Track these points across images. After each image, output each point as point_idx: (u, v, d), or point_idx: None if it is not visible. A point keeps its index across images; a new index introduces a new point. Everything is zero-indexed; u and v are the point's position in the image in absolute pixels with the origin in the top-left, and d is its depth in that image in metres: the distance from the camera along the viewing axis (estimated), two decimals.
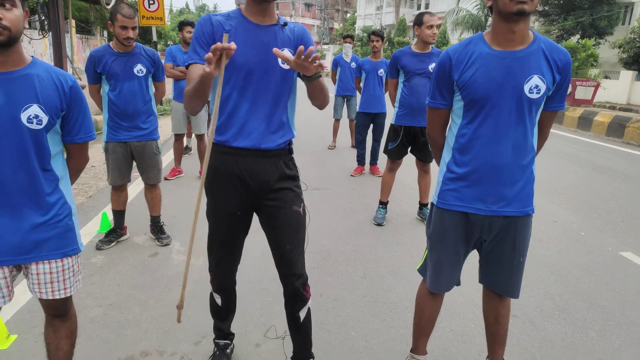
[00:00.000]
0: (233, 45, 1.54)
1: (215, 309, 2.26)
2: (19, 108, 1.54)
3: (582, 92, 12.75)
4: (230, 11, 1.93)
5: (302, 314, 2.09)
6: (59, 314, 1.81)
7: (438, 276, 2.02)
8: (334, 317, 2.77)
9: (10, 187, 1.57)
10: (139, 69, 3.30)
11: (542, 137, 1.98)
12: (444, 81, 1.87)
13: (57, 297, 1.72)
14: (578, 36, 22.21)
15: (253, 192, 1.93)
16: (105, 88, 3.33)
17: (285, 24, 1.92)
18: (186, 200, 4.79)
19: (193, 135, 6.26)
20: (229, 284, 2.19)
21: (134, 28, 3.21)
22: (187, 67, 1.83)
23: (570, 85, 11.72)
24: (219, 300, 2.20)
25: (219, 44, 1.53)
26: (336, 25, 57.63)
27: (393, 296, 3.02)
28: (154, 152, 3.50)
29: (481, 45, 1.80)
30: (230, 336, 2.36)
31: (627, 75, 19.62)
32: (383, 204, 4.41)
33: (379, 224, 4.28)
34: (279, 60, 1.84)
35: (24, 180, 1.58)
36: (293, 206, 1.98)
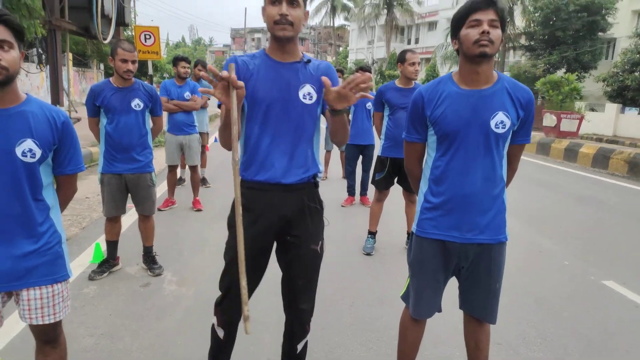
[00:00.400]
0: (238, 82, 1.65)
1: (217, 344, 2.14)
2: (14, 142, 1.65)
3: (567, 124, 13.10)
4: (256, 52, 2.02)
5: (300, 346, 2.15)
6: (49, 340, 1.87)
7: (419, 302, 2.11)
8: (322, 345, 2.83)
9: (4, 216, 1.66)
10: (137, 103, 3.44)
11: (512, 169, 2.11)
12: (417, 117, 2.02)
13: (47, 322, 1.79)
14: (564, 70, 22.94)
15: (274, 226, 1.95)
16: (103, 121, 3.46)
17: (309, 60, 1.98)
18: (179, 231, 4.86)
19: (187, 167, 6.38)
20: (236, 319, 2.09)
21: (133, 61, 3.36)
22: (218, 106, 1.89)
23: (555, 117, 12.07)
24: (221, 334, 2.10)
25: (224, 72, 1.63)
26: (329, 59, 58.89)
27: (380, 324, 3.09)
28: (148, 184, 3.60)
29: (450, 84, 1.96)
30: None
31: (612, 108, 20.20)
32: (372, 233, 4.51)
33: (368, 254, 4.37)
34: (300, 95, 1.91)
35: (17, 209, 1.68)
36: (311, 245, 2.01)
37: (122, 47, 3.34)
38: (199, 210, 5.62)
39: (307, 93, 1.93)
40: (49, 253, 1.77)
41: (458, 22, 1.88)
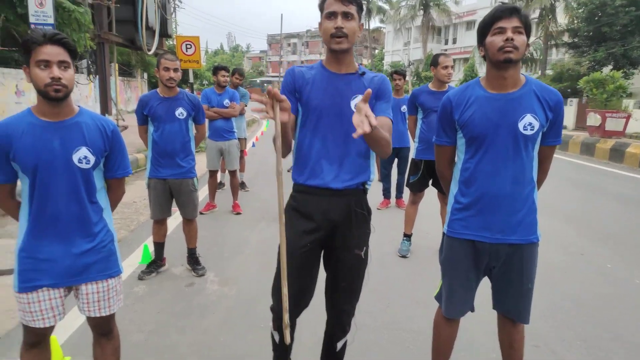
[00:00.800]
0: (281, 96, 1.68)
1: (275, 347, 2.24)
2: (71, 151, 1.83)
3: (612, 123, 12.59)
4: (314, 63, 2.11)
5: (339, 345, 2.25)
6: (104, 332, 2.06)
7: (451, 301, 2.16)
8: (359, 344, 2.90)
9: (64, 217, 1.85)
10: (180, 112, 3.65)
11: (543, 170, 2.13)
12: (447, 121, 2.09)
13: (104, 314, 1.98)
14: (610, 67, 22.02)
15: (322, 230, 2.03)
16: (150, 129, 3.69)
17: (364, 73, 2.04)
18: (220, 234, 5.05)
19: (226, 171, 6.60)
20: (295, 312, 2.13)
21: (175, 70, 3.59)
22: None
23: (599, 117, 11.64)
24: (277, 338, 2.18)
25: (269, 88, 1.67)
26: (365, 61, 58.77)
27: (416, 326, 3.14)
28: (190, 189, 3.79)
29: (477, 89, 2.01)
30: None
31: None
32: (407, 236, 4.55)
33: (404, 256, 4.41)
34: (352, 105, 1.97)
35: (75, 211, 1.86)
36: (355, 250, 2.08)
37: (165, 58, 3.59)
38: (239, 213, 5.81)
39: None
40: (104, 250, 1.95)
41: (483, 30, 1.94)
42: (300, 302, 2.12)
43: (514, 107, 1.93)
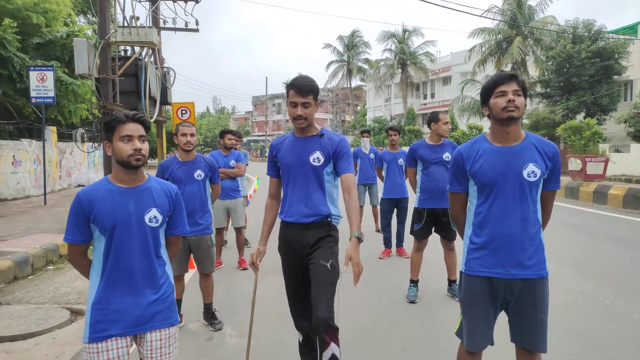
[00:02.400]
0: (257, 265, 2.80)
1: (299, 345, 2.93)
2: (144, 212, 2.08)
3: (592, 167, 13.19)
4: (288, 133, 2.86)
5: (325, 357, 2.47)
6: None
7: (473, 335, 2.35)
8: None
9: (137, 271, 2.06)
10: (199, 174, 3.92)
11: (546, 212, 2.40)
12: (459, 171, 2.38)
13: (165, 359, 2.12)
14: (583, 114, 23.15)
15: (299, 252, 2.69)
16: None
17: (322, 134, 2.71)
18: (230, 289, 5.17)
19: (228, 229, 6.77)
20: (303, 318, 2.81)
21: (192, 135, 3.92)
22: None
23: (580, 161, 12.20)
24: (300, 337, 2.88)
25: (253, 255, 2.76)
26: (348, 118, 60.61)
27: None
28: (208, 244, 3.99)
29: (484, 143, 2.32)
30: None
31: (637, 148, 20.16)
32: (414, 282, 4.73)
33: (412, 302, 4.57)
34: (311, 159, 2.65)
35: (145, 265, 2.08)
36: (321, 260, 2.59)
37: (183, 125, 3.95)
38: (245, 269, 5.94)
39: (316, 157, 2.66)
40: (167, 300, 2.14)
41: (487, 94, 2.27)
42: (300, 309, 2.81)
43: (517, 157, 2.23)
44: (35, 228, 8.11)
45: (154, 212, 2.10)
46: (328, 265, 2.57)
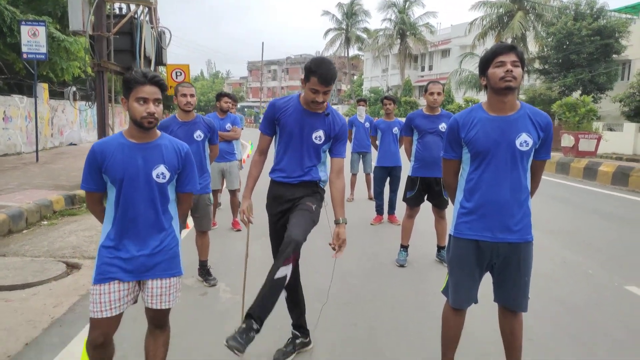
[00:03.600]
0: (250, 219, 2.87)
1: (285, 300, 3.01)
2: (151, 167, 2.14)
3: (585, 144, 13.33)
4: (293, 95, 2.83)
5: (280, 273, 2.53)
6: (160, 324, 2.31)
7: (458, 294, 2.46)
8: (370, 345, 3.15)
9: (142, 222, 2.14)
10: (198, 134, 3.95)
11: (535, 181, 2.48)
12: (454, 139, 2.43)
13: (164, 307, 2.24)
14: (579, 92, 23.16)
15: (285, 204, 2.82)
16: None
17: (328, 114, 2.76)
18: (223, 249, 5.27)
19: (223, 191, 6.82)
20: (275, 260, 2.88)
21: (191, 95, 3.92)
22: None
23: (573, 138, 12.33)
24: (285, 294, 2.92)
25: (244, 211, 2.83)
26: (344, 87, 60.05)
27: (421, 327, 3.40)
28: (206, 203, 4.05)
29: (480, 112, 2.37)
30: (300, 335, 3.01)
31: (630, 127, 20.28)
32: (404, 247, 4.85)
33: (402, 265, 4.71)
34: (313, 137, 2.74)
35: (151, 217, 2.16)
36: (307, 202, 2.76)
37: (182, 85, 3.95)
38: (239, 230, 6.04)
39: (318, 136, 2.75)
40: (170, 252, 2.22)
41: (485, 64, 2.31)
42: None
43: (511, 127, 2.29)
44: (28, 184, 8.12)
45: (161, 168, 2.16)
46: (313, 207, 2.74)
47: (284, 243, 2.57)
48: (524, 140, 2.28)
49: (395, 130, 6.45)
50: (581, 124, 13.78)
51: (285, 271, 2.55)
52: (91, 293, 2.14)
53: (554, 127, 18.57)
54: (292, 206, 2.81)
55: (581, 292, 4.15)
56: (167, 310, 2.29)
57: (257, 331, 2.49)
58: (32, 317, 3.47)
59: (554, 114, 15.50)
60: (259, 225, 6.40)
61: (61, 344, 3.06)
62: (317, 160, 2.81)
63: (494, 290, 2.50)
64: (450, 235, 2.52)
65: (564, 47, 23.70)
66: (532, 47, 27.46)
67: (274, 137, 2.90)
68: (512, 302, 2.45)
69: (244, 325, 2.45)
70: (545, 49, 25.47)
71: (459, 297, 2.48)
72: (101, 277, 2.12)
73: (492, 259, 2.39)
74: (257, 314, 2.50)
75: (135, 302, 2.27)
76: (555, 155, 13.90)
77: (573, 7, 24.02)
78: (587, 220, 7.19)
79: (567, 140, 13.84)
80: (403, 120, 5.73)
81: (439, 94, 4.60)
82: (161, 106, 2.12)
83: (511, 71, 2.22)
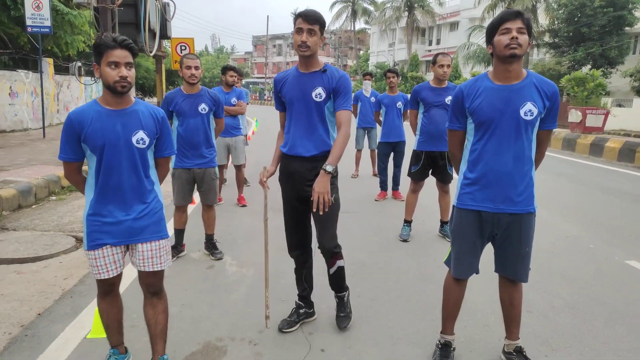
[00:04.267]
0: (266, 186, 2.83)
1: (294, 271, 3.08)
2: (131, 133, 2.18)
3: (592, 120, 13.18)
4: (292, 68, 2.86)
5: (332, 271, 2.89)
6: (156, 291, 2.39)
7: (459, 263, 2.51)
8: (373, 313, 3.24)
9: (125, 187, 2.20)
10: (203, 107, 3.96)
11: (540, 152, 2.47)
12: (458, 109, 2.43)
13: (156, 269, 2.32)
14: (589, 66, 22.75)
15: (298, 183, 2.78)
16: (175, 123, 3.98)
17: (325, 70, 2.72)
18: (230, 224, 5.34)
19: (229, 167, 6.87)
20: (295, 248, 2.99)
21: (196, 67, 3.91)
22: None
23: (580, 113, 12.18)
24: (295, 263, 3.05)
25: (260, 177, 2.81)
26: (350, 62, 59.34)
27: (424, 297, 3.48)
28: (212, 177, 4.10)
29: (486, 81, 2.36)
30: (304, 305, 3.07)
31: None
32: (407, 222, 4.89)
33: (405, 240, 4.76)
34: (313, 95, 2.68)
35: (134, 182, 2.22)
36: None
37: (187, 57, 3.92)
38: (244, 205, 6.11)
39: (318, 93, 2.69)
40: (155, 216, 2.30)
41: (492, 31, 2.29)
42: (295, 234, 2.95)
43: (517, 96, 2.28)
44: (35, 160, 8.20)
45: (140, 134, 2.20)
46: (332, 199, 2.68)
47: (322, 253, 2.84)
48: (529, 110, 2.27)
49: (399, 104, 6.42)
50: (589, 99, 13.59)
51: (336, 266, 2.89)
52: (88, 258, 2.25)
53: (562, 102, 18.41)
54: (308, 195, 2.70)
55: (582, 266, 4.19)
56: (161, 273, 2.37)
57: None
58: (43, 288, 3.57)
59: (562, 89, 15.29)
60: (262, 201, 6.47)
61: (73, 313, 3.16)
62: (323, 122, 2.75)
63: (495, 260, 2.54)
64: (453, 206, 2.55)
65: (575, 19, 23.20)
66: (543, 20, 26.85)
67: None
68: (512, 272, 2.49)
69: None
70: (556, 22, 24.92)
71: (460, 267, 2.52)
72: (92, 243, 2.21)
73: (493, 230, 2.43)
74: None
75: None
76: (562, 132, 13.79)
77: None
78: (591, 196, 7.19)
79: (574, 115, 13.68)
80: (407, 95, 5.70)
81: (448, 66, 4.56)
82: (133, 70, 2.14)
83: (516, 38, 2.20)
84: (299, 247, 2.98)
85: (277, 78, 2.88)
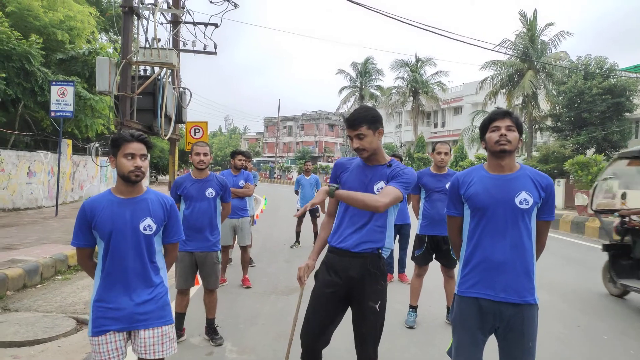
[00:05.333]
0: (304, 280, 2.63)
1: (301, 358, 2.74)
2: (139, 220, 2.28)
3: None
4: (357, 157, 2.75)
5: None
6: None
7: (460, 355, 2.45)
8: None
9: (130, 273, 2.26)
10: (210, 192, 4.10)
11: (540, 242, 2.49)
12: (455, 196, 2.52)
13: (157, 357, 2.30)
14: (593, 149, 23.14)
15: (343, 281, 2.59)
16: (182, 206, 4.11)
17: (390, 164, 2.65)
18: (232, 306, 5.27)
19: (235, 247, 6.90)
20: (308, 342, 2.68)
21: (205, 154, 4.11)
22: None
23: (586, 197, 12.13)
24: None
25: (300, 274, 2.62)
26: None
27: None
28: (214, 261, 4.13)
29: (481, 171, 2.48)
30: None
31: None
32: (413, 307, 4.80)
33: (411, 327, 4.64)
34: (375, 189, 2.59)
35: (139, 269, 2.28)
36: (370, 302, 2.58)
37: (197, 145, 4.16)
38: (249, 287, 6.05)
39: (380, 187, 2.60)
40: (160, 301, 2.33)
41: (483, 128, 2.44)
42: (320, 333, 2.66)
43: (511, 185, 2.37)
44: (46, 238, 8.30)
45: (148, 221, 2.30)
46: (377, 306, 2.58)
47: None
48: (524, 199, 2.34)
49: None
50: (594, 182, 13.69)
51: None
52: (91, 344, 2.26)
53: (568, 184, 18.55)
54: (349, 293, 2.60)
55: (595, 358, 4.02)
56: None
57: None
58: None
59: (568, 172, 15.47)
60: (267, 282, 6.41)
61: None
62: (380, 221, 2.61)
63: (499, 354, 2.47)
64: (455, 294, 2.54)
65: (576, 105, 23.98)
66: (544, 105, 27.83)
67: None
68: None
69: None
70: (557, 107, 25.78)
71: (461, 359, 2.46)
72: (97, 330, 2.24)
73: (495, 322, 2.39)
74: None
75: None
76: (570, 214, 13.76)
77: (582, 67, 24.53)
78: (602, 282, 7.01)
79: (580, 199, 13.70)
80: None
81: (446, 153, 4.73)
82: (147, 162, 2.29)
83: (505, 135, 2.33)
84: (316, 339, 2.69)
85: (339, 162, 2.83)
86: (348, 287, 2.59)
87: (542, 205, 2.40)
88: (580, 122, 24.10)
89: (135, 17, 8.77)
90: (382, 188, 2.57)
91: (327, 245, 2.72)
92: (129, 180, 2.25)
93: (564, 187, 19.50)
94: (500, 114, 2.39)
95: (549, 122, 26.94)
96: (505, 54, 28.25)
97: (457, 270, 2.60)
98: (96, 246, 2.35)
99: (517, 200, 2.34)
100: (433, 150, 4.77)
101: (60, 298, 5.47)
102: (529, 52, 27.44)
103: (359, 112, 2.61)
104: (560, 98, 25.11)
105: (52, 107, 11.04)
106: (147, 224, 2.29)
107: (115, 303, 2.24)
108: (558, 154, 22.85)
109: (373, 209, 2.48)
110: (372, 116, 2.59)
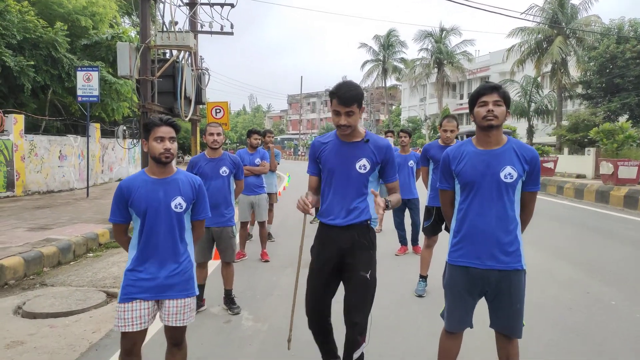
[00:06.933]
0: (309, 210, 2.62)
1: (316, 341, 2.96)
2: (170, 199, 2.49)
3: (625, 171, 12.85)
4: (330, 133, 2.85)
5: (356, 355, 2.69)
6: (177, 342, 2.60)
7: (451, 318, 2.61)
8: None
9: (162, 248, 2.48)
10: (224, 170, 4.32)
11: (526, 212, 2.59)
12: (446, 171, 2.64)
13: (179, 325, 2.54)
14: (626, 116, 22.33)
15: (334, 253, 2.73)
16: None
17: (367, 140, 2.72)
18: (250, 279, 5.53)
19: (254, 224, 7.16)
20: (314, 318, 2.87)
21: (218, 134, 4.30)
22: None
23: (612, 165, 11.93)
24: (314, 333, 2.92)
25: (302, 201, 2.60)
26: (382, 117, 60.41)
27: (427, 353, 3.50)
28: (229, 235, 4.36)
29: (470, 146, 2.56)
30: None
31: None
32: (423, 277, 4.95)
33: (420, 296, 4.80)
34: (357, 166, 2.68)
35: (170, 244, 2.50)
36: (360, 271, 2.69)
37: (210, 125, 4.35)
38: (267, 261, 6.30)
39: (362, 165, 2.69)
40: (185, 275, 2.55)
41: (471, 103, 2.53)
42: (317, 305, 2.82)
43: (496, 160, 2.46)
44: (77, 218, 8.76)
45: (179, 199, 2.51)
46: (367, 275, 2.68)
47: (350, 330, 2.66)
48: (508, 173, 2.44)
49: (411, 163, 6.61)
50: (620, 150, 13.36)
51: (360, 352, 2.69)
52: (116, 310, 2.48)
53: (599, 154, 18.05)
54: (341, 263, 2.73)
55: (600, 323, 4.09)
56: (184, 328, 2.58)
57: None
58: (72, 341, 3.82)
59: (592, 140, 15.09)
60: (284, 256, 6.64)
61: None
62: (364, 194, 2.73)
63: (490, 316, 2.62)
64: (446, 262, 2.68)
65: (607, 70, 23.12)
66: (574, 72, 26.85)
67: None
68: (505, 328, 2.56)
69: None
70: (588, 74, 24.89)
71: (452, 321, 2.62)
72: (125, 297, 2.46)
73: (483, 287, 2.53)
74: None
75: (154, 319, 2.57)
76: (595, 184, 13.49)
77: (615, 30, 23.50)
78: (621, 250, 6.98)
79: (605, 167, 13.41)
80: (419, 152, 5.91)
81: (452, 131, 4.78)
82: (175, 144, 2.49)
83: (492, 110, 2.41)
84: (319, 315, 2.86)
85: (315, 143, 2.85)
86: (340, 257, 2.73)
87: (527, 177, 2.49)
88: (612, 88, 23.26)
89: (153, 1, 8.95)
90: (364, 166, 2.68)
91: (319, 222, 2.85)
92: (159, 161, 2.45)
93: (594, 156, 18.96)
94: (488, 89, 2.46)
95: (579, 90, 26.05)
96: (532, 21, 27.21)
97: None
98: (131, 222, 2.58)
99: (502, 175, 2.44)
100: (440, 125, 4.83)
101: (92, 274, 5.85)
102: (558, 17, 26.34)
103: (351, 89, 2.58)
104: (592, 64, 24.20)
105: (79, 93, 11.42)
106: (178, 202, 2.50)
107: (146, 273, 2.46)
108: (588, 123, 22.17)
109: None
110: (361, 94, 2.65)
